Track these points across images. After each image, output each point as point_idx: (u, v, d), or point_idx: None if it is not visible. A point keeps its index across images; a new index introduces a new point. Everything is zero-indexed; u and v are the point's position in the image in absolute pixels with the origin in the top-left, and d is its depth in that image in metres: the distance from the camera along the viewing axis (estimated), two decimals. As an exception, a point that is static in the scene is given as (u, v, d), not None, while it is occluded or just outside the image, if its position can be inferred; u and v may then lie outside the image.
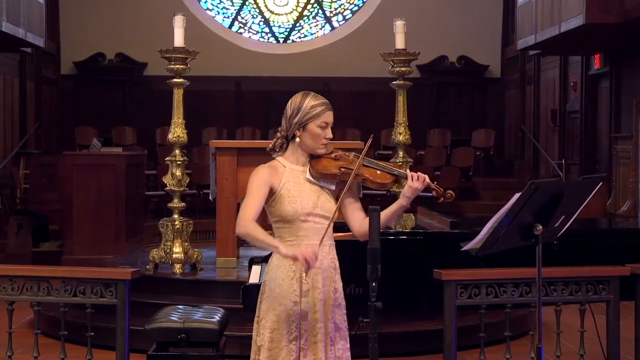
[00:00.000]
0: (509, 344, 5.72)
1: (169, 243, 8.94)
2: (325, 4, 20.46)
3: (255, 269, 5.61)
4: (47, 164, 12.48)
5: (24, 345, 7.44)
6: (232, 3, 20.28)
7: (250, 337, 4.39)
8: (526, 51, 17.20)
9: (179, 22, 8.82)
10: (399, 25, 9.06)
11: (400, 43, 9.05)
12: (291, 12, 20.48)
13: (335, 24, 20.43)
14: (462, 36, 19.42)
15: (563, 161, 16.07)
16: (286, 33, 20.45)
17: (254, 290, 4.78)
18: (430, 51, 19.12)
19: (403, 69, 9.11)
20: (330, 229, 4.31)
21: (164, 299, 8.13)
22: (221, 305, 6.92)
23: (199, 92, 18.36)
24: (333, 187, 4.38)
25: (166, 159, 9.11)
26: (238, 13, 20.31)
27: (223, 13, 20.26)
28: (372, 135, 4.45)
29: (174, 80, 8.89)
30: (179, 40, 8.81)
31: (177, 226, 8.95)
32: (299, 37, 20.47)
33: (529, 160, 18.29)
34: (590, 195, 4.53)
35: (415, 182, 4.26)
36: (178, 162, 8.97)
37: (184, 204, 9.13)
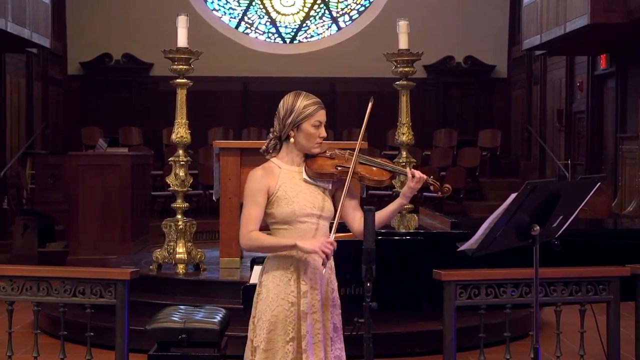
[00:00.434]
0: (508, 345, 5.72)
1: (172, 243, 8.95)
2: (332, 5, 20.46)
3: (257, 269, 5.61)
4: (53, 164, 12.51)
5: (27, 345, 7.45)
6: (239, 3, 20.30)
7: (252, 337, 4.40)
8: (532, 51, 17.18)
9: (182, 23, 8.82)
10: (402, 25, 9.05)
11: (403, 43, 9.04)
12: (298, 12, 20.49)
13: (342, 25, 20.43)
14: (469, 36, 19.41)
15: (569, 161, 16.05)
16: (293, 33, 20.47)
17: (254, 290, 4.78)
18: (437, 51, 19.13)
19: (406, 69, 9.09)
20: (326, 228, 4.32)
21: (167, 299, 8.15)
22: (224, 306, 6.93)
23: (205, 93, 18.41)
24: (330, 187, 4.38)
25: (169, 159, 9.12)
26: (245, 13, 20.33)
27: (230, 13, 20.28)
28: (369, 104, 4.44)
29: (178, 80, 8.89)
30: (182, 40, 8.80)
31: (181, 226, 8.95)
32: (306, 38, 20.48)
33: (535, 161, 18.27)
34: (589, 196, 4.52)
35: (413, 182, 4.28)
36: (181, 163, 8.97)
37: (187, 204, 9.13)
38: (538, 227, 4.25)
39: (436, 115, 19.77)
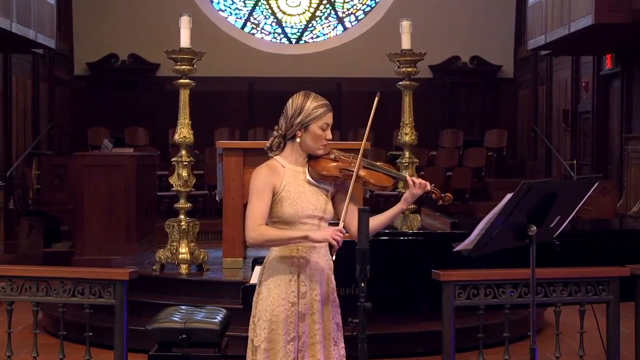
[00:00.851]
0: (507, 345, 5.71)
1: (175, 244, 8.96)
2: (338, 5, 20.46)
3: (258, 269, 5.61)
4: (58, 164, 12.55)
5: (29, 346, 7.44)
6: (245, 4, 20.31)
7: (253, 337, 4.40)
8: (538, 51, 17.16)
9: (185, 23, 8.82)
10: (405, 25, 9.05)
11: (406, 43, 9.03)
12: (303, 12, 20.50)
13: (348, 25, 20.43)
14: (475, 36, 19.40)
15: (574, 162, 16.03)
16: (298, 34, 20.47)
17: (254, 291, 4.78)
18: (443, 51, 19.13)
19: (409, 69, 9.09)
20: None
21: (170, 300, 8.15)
22: (226, 306, 6.94)
23: (211, 93, 18.44)
24: (332, 189, 4.38)
25: (172, 159, 9.13)
26: (250, 14, 20.34)
27: (235, 14, 20.29)
28: (375, 100, 4.45)
29: (180, 81, 8.89)
30: (185, 41, 8.81)
31: (183, 227, 8.96)
32: (312, 38, 20.48)
33: (542, 161, 18.25)
34: (587, 196, 4.52)
35: (415, 188, 4.28)
36: (184, 163, 8.98)
37: (190, 204, 9.14)
38: (535, 228, 4.25)
39: (442, 115, 19.76)
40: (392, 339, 7.80)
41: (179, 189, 8.96)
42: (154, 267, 9.05)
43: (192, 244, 8.99)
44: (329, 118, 4.33)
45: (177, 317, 6.16)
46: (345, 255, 4.30)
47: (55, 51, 16.99)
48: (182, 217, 9.02)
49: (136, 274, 5.42)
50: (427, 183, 4.31)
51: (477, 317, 5.62)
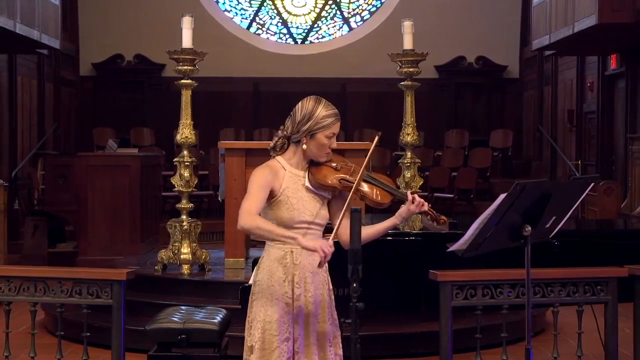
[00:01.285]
0: (505, 346, 5.71)
1: (177, 244, 8.98)
2: (343, 5, 20.47)
3: (258, 269, 5.62)
4: (62, 164, 12.57)
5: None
6: (250, 4, 20.32)
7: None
8: (543, 52, 17.14)
9: (187, 24, 8.84)
10: (407, 25, 9.05)
11: (408, 43, 9.04)
12: (309, 13, 20.50)
13: (353, 25, 20.43)
14: (480, 36, 19.38)
15: (579, 162, 16.01)
16: (304, 34, 20.48)
17: (252, 291, 4.80)
18: (448, 52, 19.13)
19: (411, 69, 9.09)
20: (318, 232, 4.34)
21: (172, 300, 8.17)
22: (228, 306, 6.95)
23: (217, 93, 18.48)
24: (330, 196, 4.38)
25: (174, 159, 9.14)
26: (256, 14, 20.35)
27: (241, 14, 20.30)
28: (374, 140, 4.43)
29: (182, 81, 8.92)
30: (187, 41, 8.83)
31: (185, 227, 8.98)
32: (317, 38, 20.48)
33: (547, 161, 18.21)
34: (582, 196, 4.52)
35: (413, 206, 4.26)
36: (186, 163, 8.99)
37: (192, 204, 9.16)
38: (529, 228, 4.24)
39: (448, 115, 19.75)
40: (395, 339, 7.81)
41: (181, 189, 8.98)
42: (156, 267, 9.08)
43: (194, 244, 9.01)
44: (336, 128, 4.30)
45: (176, 317, 6.18)
46: (342, 256, 4.31)
47: (60, 52, 17.01)
48: (184, 217, 9.03)
49: (133, 274, 5.43)
50: (426, 203, 4.30)
51: (476, 318, 5.61)
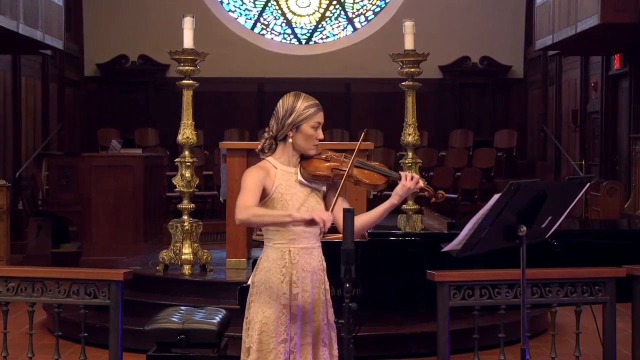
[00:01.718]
0: (502, 347, 5.71)
1: (178, 244, 8.98)
2: (348, 5, 20.45)
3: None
4: (66, 165, 12.60)
5: (34, 345, 7.48)
6: (255, 4, 20.32)
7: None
8: (547, 51, 17.13)
9: (188, 24, 8.85)
10: (408, 25, 9.05)
11: (409, 44, 9.05)
12: (313, 13, 20.49)
13: (358, 25, 20.41)
14: (485, 36, 19.35)
15: (583, 162, 15.99)
16: (308, 34, 20.47)
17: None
18: (453, 52, 19.12)
19: (412, 69, 9.10)
20: (317, 229, 4.34)
21: (173, 300, 8.17)
22: (229, 307, 6.94)
23: (221, 94, 18.49)
24: (324, 188, 4.39)
25: (175, 160, 9.14)
26: (260, 14, 20.35)
27: (245, 15, 20.30)
28: (364, 132, 4.46)
29: (183, 81, 8.93)
30: (188, 41, 8.83)
31: (187, 227, 8.98)
32: (321, 39, 20.47)
33: (551, 161, 18.20)
34: (578, 197, 4.52)
35: (408, 181, 4.28)
36: (187, 164, 9.00)
37: (193, 205, 9.16)
38: (525, 228, 4.24)
39: (452, 115, 19.73)
40: (396, 340, 7.81)
41: (182, 189, 8.99)
42: (157, 267, 9.08)
43: (196, 245, 9.01)
44: (320, 117, 4.34)
45: (175, 317, 6.18)
46: (337, 257, 4.32)
47: (65, 52, 17.03)
48: (185, 217, 9.04)
49: (131, 274, 5.44)
50: (420, 179, 4.31)
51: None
